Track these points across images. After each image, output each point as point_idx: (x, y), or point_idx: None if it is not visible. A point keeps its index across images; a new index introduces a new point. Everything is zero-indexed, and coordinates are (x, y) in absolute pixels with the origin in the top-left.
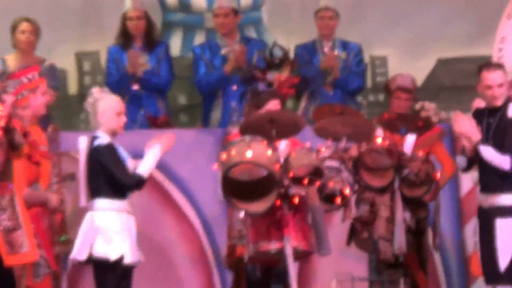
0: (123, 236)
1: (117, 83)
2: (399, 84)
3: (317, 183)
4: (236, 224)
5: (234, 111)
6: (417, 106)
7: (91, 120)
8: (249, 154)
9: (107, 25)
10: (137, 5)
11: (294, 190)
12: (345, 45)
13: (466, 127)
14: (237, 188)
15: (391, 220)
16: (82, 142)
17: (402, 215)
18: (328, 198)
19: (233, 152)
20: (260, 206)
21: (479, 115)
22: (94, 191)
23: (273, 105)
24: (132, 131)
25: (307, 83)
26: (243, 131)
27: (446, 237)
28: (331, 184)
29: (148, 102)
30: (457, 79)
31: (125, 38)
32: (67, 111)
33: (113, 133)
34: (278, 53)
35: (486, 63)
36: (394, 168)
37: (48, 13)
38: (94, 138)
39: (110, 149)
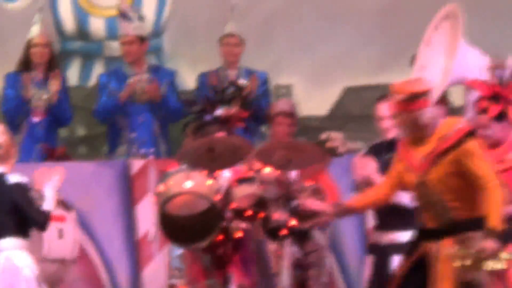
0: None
1: (14, 111)
2: (280, 109)
3: (261, 215)
4: (175, 262)
5: (135, 142)
6: (323, 136)
7: None
8: (188, 184)
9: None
10: (44, 33)
11: (235, 223)
12: (250, 73)
13: (367, 171)
14: (175, 223)
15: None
16: None
17: (290, 250)
18: (272, 231)
19: (171, 182)
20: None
21: (377, 150)
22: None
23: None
24: (27, 164)
25: (259, 116)
26: (181, 159)
27: (351, 269)
28: (275, 216)
29: (48, 135)
30: (365, 108)
31: (25, 65)
32: None
33: (9, 166)
34: (230, 89)
35: (382, 94)
36: (283, 198)
37: None
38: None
39: (24, 187)
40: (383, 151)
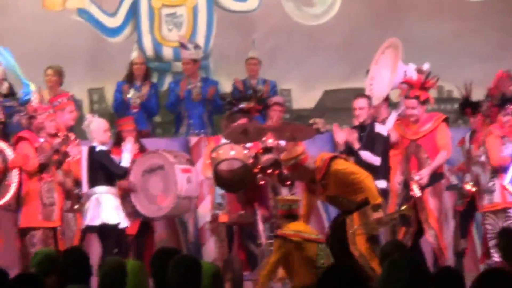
0: (118, 209)
1: (118, 107)
2: (275, 100)
3: (276, 171)
4: (218, 199)
5: (191, 126)
6: (310, 121)
7: (88, 135)
8: (232, 152)
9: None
10: (141, 55)
11: (260, 177)
12: (265, 82)
13: (345, 137)
14: (223, 176)
15: None
16: (84, 150)
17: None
18: (284, 181)
19: (220, 151)
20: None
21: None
22: (94, 181)
23: (242, 121)
24: None
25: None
26: (226, 136)
27: None
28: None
29: (142, 121)
30: (337, 104)
31: (130, 76)
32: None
33: (103, 144)
34: (250, 92)
35: (357, 94)
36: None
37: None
38: (92, 147)
39: (105, 152)
40: (358, 130)
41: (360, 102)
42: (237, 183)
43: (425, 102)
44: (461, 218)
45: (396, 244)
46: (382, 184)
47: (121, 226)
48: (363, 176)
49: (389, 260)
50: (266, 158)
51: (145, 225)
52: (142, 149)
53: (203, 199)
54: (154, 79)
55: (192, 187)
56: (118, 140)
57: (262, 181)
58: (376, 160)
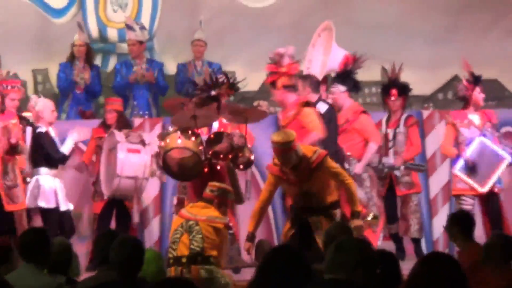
0: (58, 192)
1: (64, 88)
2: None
3: (231, 155)
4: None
5: (137, 108)
6: (255, 103)
7: (33, 116)
8: (179, 141)
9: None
10: (82, 37)
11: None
12: (210, 64)
13: None
14: (171, 166)
15: None
16: (28, 130)
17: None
18: (237, 164)
19: (168, 140)
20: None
21: None
22: (36, 162)
23: (213, 106)
24: (66, 121)
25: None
26: (175, 122)
27: None
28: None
29: (85, 102)
30: None
31: (72, 58)
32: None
33: (50, 124)
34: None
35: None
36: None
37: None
38: (35, 128)
39: (45, 134)
40: None
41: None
42: (186, 172)
43: (288, 87)
44: (385, 202)
45: (342, 226)
46: None
47: (62, 209)
48: (351, 180)
49: (335, 242)
50: (220, 146)
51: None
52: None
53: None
54: (99, 60)
55: (136, 168)
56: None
57: (218, 166)
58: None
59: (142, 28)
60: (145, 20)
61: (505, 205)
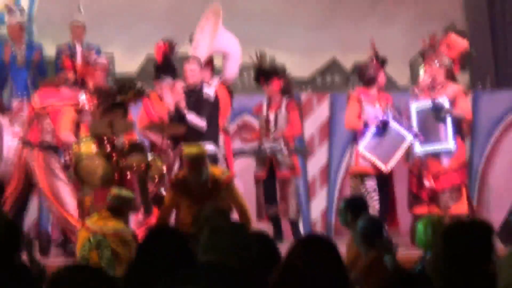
0: None
1: None
2: (99, 61)
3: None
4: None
5: (16, 90)
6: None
7: None
8: (93, 147)
9: None
10: None
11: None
12: (89, 46)
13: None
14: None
15: None
16: None
17: None
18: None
19: (82, 146)
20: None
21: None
22: None
23: (119, 112)
24: None
25: None
26: (93, 129)
27: None
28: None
29: None
30: None
31: None
32: None
33: None
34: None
35: (189, 57)
36: None
37: None
38: None
39: None
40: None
41: (192, 65)
42: (95, 181)
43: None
44: (265, 185)
45: (217, 210)
46: (210, 147)
47: None
48: (248, 207)
49: (210, 225)
50: (135, 159)
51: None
52: None
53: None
54: None
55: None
56: None
57: (129, 174)
58: (202, 123)
59: (22, 11)
60: (24, 2)
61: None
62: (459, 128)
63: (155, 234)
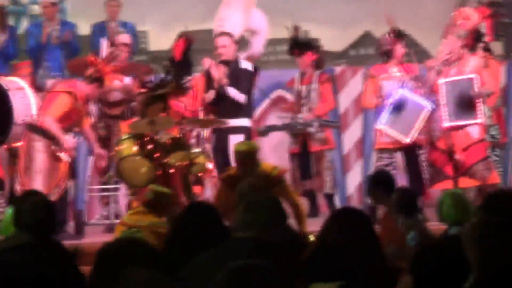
0: None
1: None
2: (122, 40)
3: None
4: None
5: (50, 69)
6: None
7: None
8: (135, 148)
9: None
10: None
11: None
12: (124, 24)
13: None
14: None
15: None
16: None
17: None
18: None
19: (124, 146)
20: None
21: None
22: None
23: (158, 106)
24: None
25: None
26: (132, 128)
27: None
28: None
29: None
30: (196, 45)
31: None
32: None
33: None
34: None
35: (220, 33)
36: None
37: None
38: None
39: None
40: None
41: (223, 40)
42: (140, 181)
43: None
44: (299, 159)
45: (252, 184)
46: (245, 122)
47: None
48: (301, 201)
49: (244, 201)
50: (176, 155)
51: None
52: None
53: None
54: (11, 22)
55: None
56: None
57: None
58: (242, 97)
59: None
60: None
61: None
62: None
63: (190, 209)
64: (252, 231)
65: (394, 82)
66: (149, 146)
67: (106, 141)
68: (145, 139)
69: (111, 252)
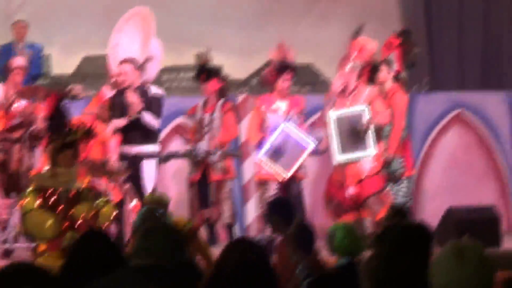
0: None
1: None
2: (17, 64)
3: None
4: None
5: None
6: (68, 87)
7: None
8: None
9: None
10: None
11: None
12: (31, 46)
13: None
14: None
15: None
16: None
17: None
18: None
19: (26, 199)
20: None
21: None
22: None
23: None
24: None
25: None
26: (35, 180)
27: None
28: None
29: None
30: (97, 70)
31: None
32: None
33: None
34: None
35: (121, 60)
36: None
37: None
38: None
39: None
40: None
41: (125, 67)
42: (46, 235)
43: None
44: (199, 188)
45: (151, 210)
46: (156, 148)
47: None
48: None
49: (143, 228)
50: (80, 207)
51: None
52: None
53: None
54: None
55: None
56: None
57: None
58: (155, 123)
59: None
60: None
61: (314, 193)
62: (378, 133)
63: (85, 237)
64: (149, 258)
65: (279, 116)
66: (53, 199)
67: (5, 165)
68: (48, 192)
69: (5, 277)
